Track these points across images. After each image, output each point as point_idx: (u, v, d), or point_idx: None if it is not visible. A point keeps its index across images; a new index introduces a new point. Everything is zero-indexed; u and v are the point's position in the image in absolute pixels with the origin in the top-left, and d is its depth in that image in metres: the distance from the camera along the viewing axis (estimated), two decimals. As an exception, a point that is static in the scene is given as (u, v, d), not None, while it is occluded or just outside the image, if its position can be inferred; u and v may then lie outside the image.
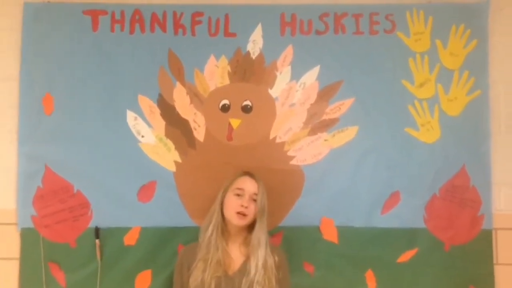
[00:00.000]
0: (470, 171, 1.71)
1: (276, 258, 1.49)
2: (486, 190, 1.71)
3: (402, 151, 1.72)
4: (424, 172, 1.70)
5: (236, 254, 1.51)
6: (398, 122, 1.73)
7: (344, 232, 1.69)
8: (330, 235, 1.69)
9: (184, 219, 1.69)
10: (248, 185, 1.52)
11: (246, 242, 1.51)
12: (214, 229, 1.49)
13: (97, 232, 1.67)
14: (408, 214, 1.69)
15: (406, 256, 1.68)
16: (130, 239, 1.68)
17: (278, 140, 1.74)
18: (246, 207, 1.49)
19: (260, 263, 1.44)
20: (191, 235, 1.64)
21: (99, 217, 1.69)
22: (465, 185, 1.70)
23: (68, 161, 1.71)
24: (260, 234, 1.49)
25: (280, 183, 1.70)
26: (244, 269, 1.46)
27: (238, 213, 1.49)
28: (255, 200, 1.51)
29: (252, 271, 1.43)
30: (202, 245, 1.49)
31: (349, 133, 1.73)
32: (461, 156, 1.71)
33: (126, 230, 1.68)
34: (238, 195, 1.51)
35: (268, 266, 1.46)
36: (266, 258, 1.46)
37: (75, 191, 1.70)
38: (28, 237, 1.68)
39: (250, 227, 1.53)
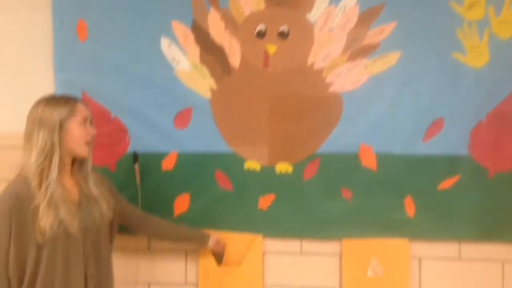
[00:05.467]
0: (519, 97, 1.62)
1: (98, 174, 1.47)
2: (536, 117, 1.62)
3: (447, 76, 1.62)
4: (471, 97, 1.61)
5: (71, 185, 1.38)
6: (444, 46, 1.62)
7: (383, 158, 1.65)
8: (369, 161, 1.66)
9: (220, 145, 1.68)
10: (87, 111, 1.38)
11: (73, 170, 1.40)
12: (54, 169, 1.30)
13: (135, 157, 1.69)
14: (451, 141, 1.62)
15: (447, 183, 1.63)
16: (167, 164, 1.70)
17: (316, 67, 1.68)
18: (93, 135, 1.39)
19: (94, 181, 1.41)
20: (227, 160, 1.66)
21: (137, 143, 1.71)
22: (513, 111, 1.62)
23: (104, 88, 1.71)
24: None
25: (317, 110, 1.67)
26: (87, 194, 1.38)
27: (87, 142, 1.37)
28: (91, 123, 1.40)
29: (95, 191, 1.39)
30: (40, 189, 1.28)
31: (391, 58, 1.65)
32: (510, 80, 1.62)
33: (163, 155, 1.70)
34: (83, 124, 1.36)
35: (103, 182, 1.46)
36: (98, 177, 1.45)
37: (112, 117, 1.71)
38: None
39: None
